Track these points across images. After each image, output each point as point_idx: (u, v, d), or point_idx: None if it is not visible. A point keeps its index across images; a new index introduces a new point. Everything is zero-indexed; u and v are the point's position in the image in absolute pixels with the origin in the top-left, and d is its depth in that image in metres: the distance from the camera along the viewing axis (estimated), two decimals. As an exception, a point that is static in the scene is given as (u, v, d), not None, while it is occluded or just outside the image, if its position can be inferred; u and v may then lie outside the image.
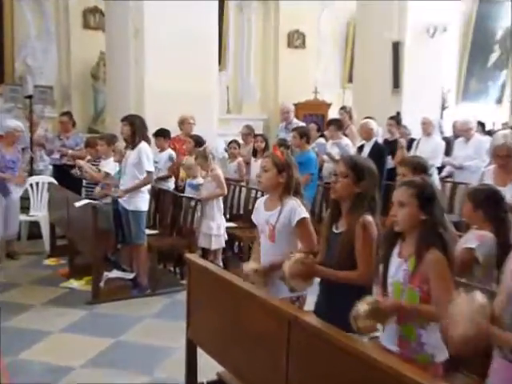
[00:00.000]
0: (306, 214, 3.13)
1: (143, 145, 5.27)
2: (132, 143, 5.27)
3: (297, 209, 3.10)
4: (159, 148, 6.58)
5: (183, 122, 6.91)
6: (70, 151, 7.40)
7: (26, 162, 7.36)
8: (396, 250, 2.45)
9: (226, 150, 7.41)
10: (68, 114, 7.84)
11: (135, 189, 5.26)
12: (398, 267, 2.41)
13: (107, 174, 5.92)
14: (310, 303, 3.02)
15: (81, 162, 6.29)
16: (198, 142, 6.34)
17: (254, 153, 6.87)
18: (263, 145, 6.68)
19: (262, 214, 3.24)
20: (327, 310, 2.72)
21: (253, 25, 11.39)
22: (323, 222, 2.94)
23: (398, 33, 8.93)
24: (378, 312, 2.27)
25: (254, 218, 3.34)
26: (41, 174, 7.65)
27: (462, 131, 7.58)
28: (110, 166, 5.97)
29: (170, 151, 6.63)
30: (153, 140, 6.26)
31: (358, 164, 2.75)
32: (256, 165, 6.69)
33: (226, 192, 5.84)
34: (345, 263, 2.68)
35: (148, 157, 5.27)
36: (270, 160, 3.17)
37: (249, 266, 3.09)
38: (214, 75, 7.63)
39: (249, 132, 7.57)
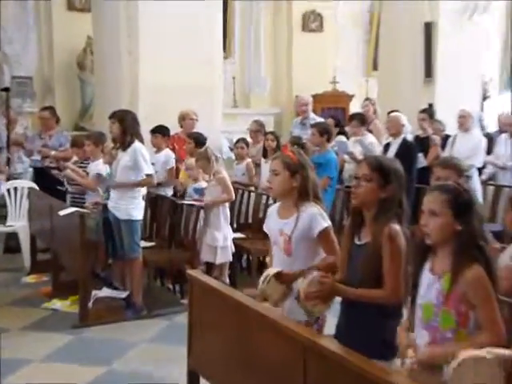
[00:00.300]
0: (329, 222, 3.16)
1: (137, 145, 5.29)
2: (122, 143, 5.30)
3: (317, 217, 3.12)
4: (156, 147, 6.63)
5: (184, 118, 6.96)
6: (53, 152, 7.45)
7: (2, 163, 7.43)
8: (427, 266, 2.46)
9: (232, 150, 7.44)
10: (50, 108, 7.88)
11: (131, 186, 5.27)
12: (429, 285, 2.42)
13: (99, 176, 5.96)
14: (331, 326, 3.03)
15: (68, 172, 6.28)
16: (199, 141, 6.36)
17: (265, 153, 6.90)
18: (274, 144, 6.71)
19: (275, 223, 3.25)
20: (350, 334, 2.73)
21: (262, 5, 11.45)
22: (344, 231, 2.96)
23: (431, 12, 8.93)
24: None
25: (265, 227, 3.35)
26: (19, 177, 7.72)
27: (506, 125, 7.58)
28: (100, 168, 6.01)
29: (167, 152, 6.67)
30: (148, 137, 6.30)
31: (383, 165, 2.76)
32: (267, 166, 6.72)
33: (233, 197, 5.87)
34: (369, 279, 2.69)
35: (145, 158, 5.29)
36: (280, 162, 3.19)
37: (271, 270, 3.08)
38: (218, 64, 7.67)
39: (258, 128, 7.60)
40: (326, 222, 3.13)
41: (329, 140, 6.25)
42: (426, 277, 2.44)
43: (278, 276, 3.05)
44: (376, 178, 2.73)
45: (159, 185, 6.44)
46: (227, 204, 5.82)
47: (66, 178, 6.37)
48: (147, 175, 5.30)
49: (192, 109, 6.96)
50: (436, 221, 2.37)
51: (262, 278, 3.06)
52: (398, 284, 2.65)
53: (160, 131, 6.61)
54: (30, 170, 7.87)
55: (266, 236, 3.40)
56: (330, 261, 3.10)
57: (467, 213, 2.35)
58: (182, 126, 7.02)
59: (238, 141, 7.18)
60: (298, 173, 3.16)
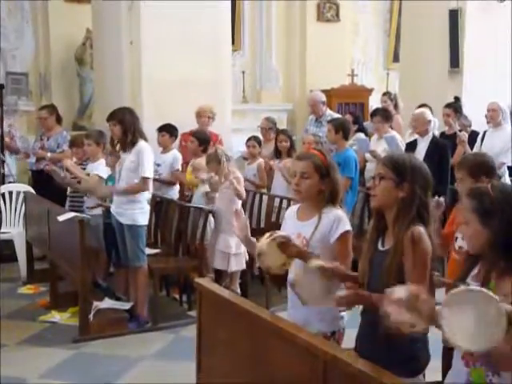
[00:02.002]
0: (350, 227, 3.16)
1: (142, 144, 5.29)
2: (125, 144, 5.29)
3: (340, 220, 3.12)
4: (162, 147, 6.63)
5: (200, 116, 6.97)
6: (49, 154, 7.47)
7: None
8: (474, 272, 2.43)
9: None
10: (48, 107, 7.88)
11: (127, 192, 5.27)
12: None
13: (99, 178, 5.97)
14: (348, 338, 3.01)
15: (68, 163, 6.25)
16: (203, 140, 6.37)
17: (277, 153, 6.88)
18: (287, 144, 6.70)
19: (293, 226, 3.23)
20: (372, 347, 2.71)
21: (273, -7, 11.43)
22: (365, 237, 2.93)
23: (457, -3, 8.90)
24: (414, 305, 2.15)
25: (283, 229, 3.33)
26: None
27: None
28: (100, 169, 6.02)
29: (175, 152, 6.69)
30: (152, 136, 6.31)
31: (398, 161, 2.75)
32: (279, 167, 6.70)
33: (244, 195, 5.82)
34: (394, 287, 2.66)
35: (148, 160, 5.30)
36: (311, 163, 3.17)
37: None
38: (227, 57, 7.67)
39: (270, 126, 7.59)
40: (348, 226, 3.14)
41: (346, 137, 6.23)
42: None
43: (283, 244, 2.99)
44: (390, 175, 2.72)
45: (161, 182, 6.44)
46: (240, 207, 5.79)
47: (65, 177, 6.34)
48: (144, 178, 5.27)
49: (209, 105, 6.95)
50: (468, 230, 2.37)
51: (266, 235, 3.01)
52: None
53: (167, 130, 6.63)
54: (14, 172, 7.87)
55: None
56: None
57: (493, 216, 2.31)
58: (198, 123, 7.03)
59: (249, 139, 7.18)
60: (328, 175, 3.16)
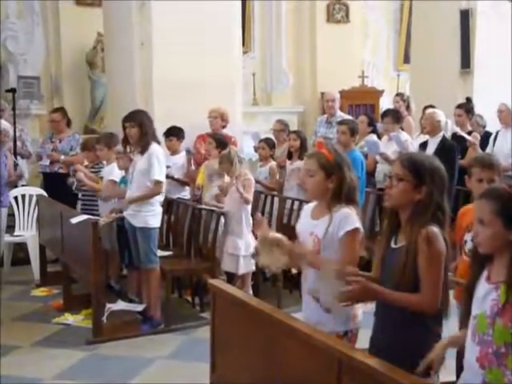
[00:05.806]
0: (360, 226, 3.11)
1: (155, 148, 5.32)
2: (139, 147, 5.31)
3: (350, 217, 3.08)
4: (170, 151, 6.66)
5: (209, 116, 6.98)
6: (63, 157, 7.53)
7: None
8: (484, 274, 2.42)
9: (256, 150, 7.45)
10: (60, 110, 7.96)
11: (140, 199, 5.31)
12: (485, 295, 2.37)
13: (114, 183, 5.99)
14: (362, 339, 3.01)
15: (80, 175, 6.28)
16: (221, 143, 6.39)
17: (290, 154, 6.89)
18: (297, 143, 6.69)
19: (306, 224, 3.23)
20: (386, 347, 2.71)
21: (283, -5, 11.45)
22: (378, 237, 2.95)
23: (468, -2, 8.89)
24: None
25: (297, 226, 3.34)
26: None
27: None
28: (114, 173, 6.04)
29: (184, 154, 6.70)
30: (163, 138, 6.35)
31: (418, 163, 2.74)
32: (291, 169, 6.72)
33: (250, 201, 5.80)
34: (405, 285, 2.67)
35: (160, 163, 5.32)
36: (315, 161, 3.16)
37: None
38: (237, 59, 7.69)
39: (282, 128, 7.58)
40: (357, 223, 3.08)
41: (355, 139, 6.28)
42: (483, 286, 2.40)
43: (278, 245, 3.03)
44: (409, 177, 2.72)
45: (176, 180, 6.46)
46: (249, 209, 5.81)
47: (77, 181, 6.40)
48: (156, 181, 5.30)
49: (219, 107, 6.97)
50: (485, 231, 2.33)
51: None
52: (436, 290, 2.63)
53: (175, 134, 6.63)
54: (26, 176, 7.90)
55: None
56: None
57: None
58: None
59: (260, 141, 7.20)
60: (334, 174, 3.13)
